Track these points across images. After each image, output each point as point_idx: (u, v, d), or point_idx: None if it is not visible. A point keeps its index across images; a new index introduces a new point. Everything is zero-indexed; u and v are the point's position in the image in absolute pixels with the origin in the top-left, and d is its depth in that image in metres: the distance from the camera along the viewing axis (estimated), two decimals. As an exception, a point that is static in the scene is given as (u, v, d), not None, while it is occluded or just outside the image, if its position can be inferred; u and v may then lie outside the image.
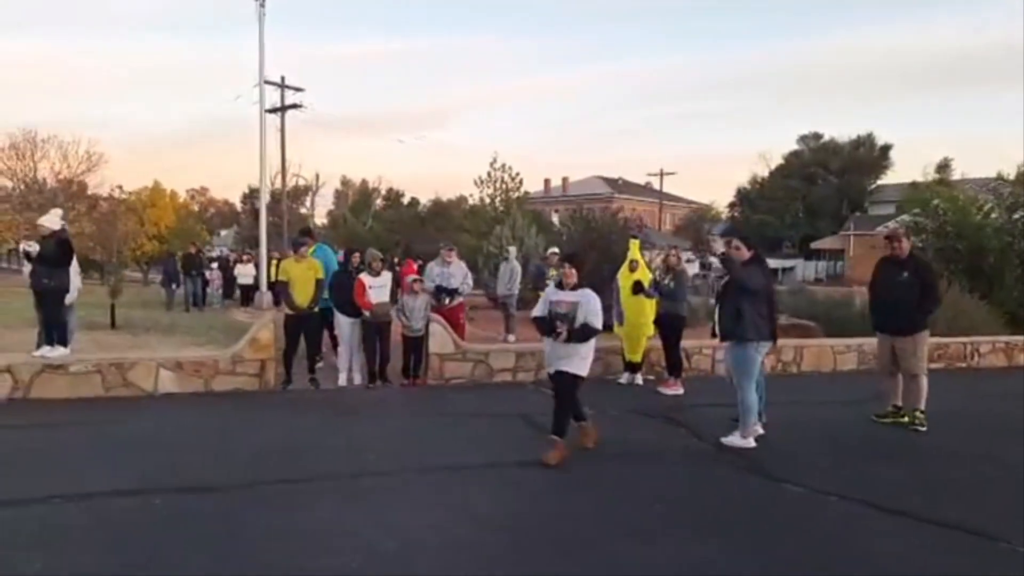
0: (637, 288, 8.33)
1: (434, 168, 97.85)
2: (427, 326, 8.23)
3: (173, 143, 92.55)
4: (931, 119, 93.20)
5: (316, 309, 8.07)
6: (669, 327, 8.06)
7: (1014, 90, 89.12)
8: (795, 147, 51.08)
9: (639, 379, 8.54)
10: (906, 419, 6.80)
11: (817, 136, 50.77)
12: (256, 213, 65.35)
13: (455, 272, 9.26)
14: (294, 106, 31.49)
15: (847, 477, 5.11)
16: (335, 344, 8.77)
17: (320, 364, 8.45)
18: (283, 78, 32.33)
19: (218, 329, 14.28)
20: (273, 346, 7.93)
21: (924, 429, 6.52)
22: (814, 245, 41.62)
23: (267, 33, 21.43)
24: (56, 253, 7.33)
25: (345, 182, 69.70)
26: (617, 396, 7.87)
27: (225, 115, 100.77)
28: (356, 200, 66.60)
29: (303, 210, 59.19)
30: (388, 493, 4.60)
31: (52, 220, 7.87)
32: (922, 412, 6.64)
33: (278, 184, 57.67)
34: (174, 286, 18.75)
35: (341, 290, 8.12)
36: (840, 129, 79.88)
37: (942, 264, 14.79)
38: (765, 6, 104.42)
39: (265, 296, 19.61)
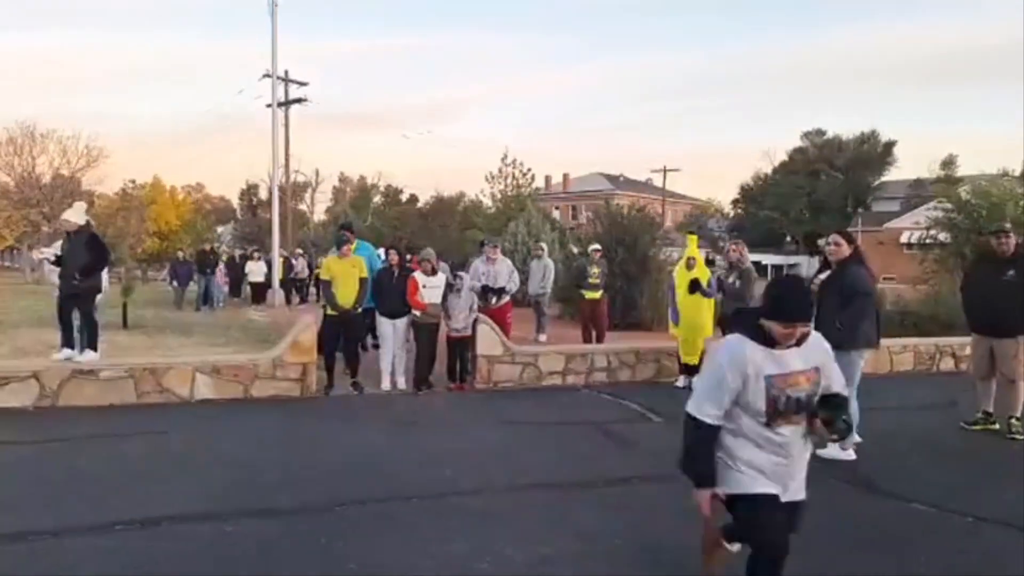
0: (694, 287, 7.91)
1: (433, 164, 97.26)
2: (473, 326, 7.79)
3: (169, 139, 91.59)
4: (934, 116, 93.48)
5: (360, 310, 7.61)
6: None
7: (1016, 86, 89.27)
8: (799, 144, 50.98)
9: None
10: (997, 426, 6.41)
11: (821, 132, 50.58)
12: (254, 210, 64.68)
13: (501, 270, 8.83)
14: (298, 100, 30.90)
15: (971, 494, 4.70)
16: (363, 347, 8.36)
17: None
18: (287, 72, 31.73)
19: (236, 329, 13.79)
20: (315, 349, 7.46)
21: (1021, 438, 6.13)
22: (820, 242, 41.23)
23: (268, 26, 20.89)
24: (88, 252, 6.84)
25: (343, 178, 68.97)
26: (681, 401, 7.35)
27: (224, 111, 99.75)
28: (355, 197, 65.97)
29: (302, 207, 58.57)
30: (484, 516, 4.15)
31: (77, 215, 7.39)
32: (1018, 419, 6.25)
33: (278, 180, 57.26)
34: (178, 283, 18.19)
35: (383, 290, 7.66)
36: (844, 126, 79.90)
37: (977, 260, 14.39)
38: (769, 2, 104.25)
39: (278, 294, 19.12)
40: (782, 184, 47.46)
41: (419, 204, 60.27)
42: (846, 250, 5.52)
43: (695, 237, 8.29)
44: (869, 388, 8.07)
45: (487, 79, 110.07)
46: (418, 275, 7.53)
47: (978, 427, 6.47)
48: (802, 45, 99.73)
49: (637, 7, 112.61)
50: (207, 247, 19.48)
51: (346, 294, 7.49)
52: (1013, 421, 6.26)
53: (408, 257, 9.24)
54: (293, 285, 20.45)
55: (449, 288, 7.68)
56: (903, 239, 37.86)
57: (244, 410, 6.73)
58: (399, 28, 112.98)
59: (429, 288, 7.52)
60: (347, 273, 7.54)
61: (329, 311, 7.55)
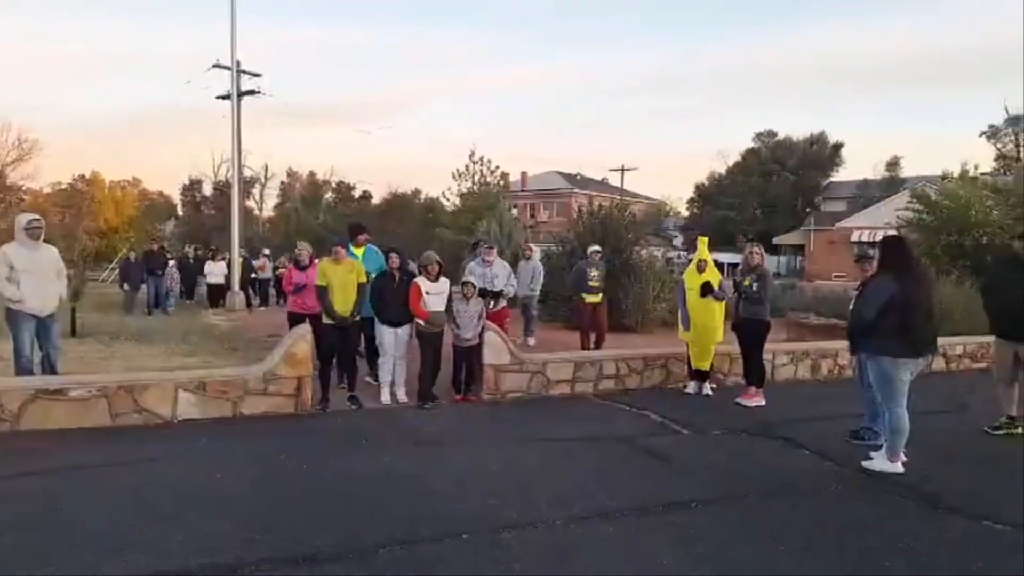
0: (706, 290, 7.63)
1: (386, 160, 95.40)
2: (481, 334, 7.31)
3: (105, 131, 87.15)
4: (879, 118, 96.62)
5: (358, 318, 7.04)
6: (752, 333, 7.37)
7: (958, 90, 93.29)
8: (752, 144, 51.91)
9: (707, 389, 7.85)
10: (1020, 430, 6.33)
11: (772, 134, 51.67)
12: (198, 206, 62.29)
13: (498, 272, 8.37)
14: (251, 92, 29.60)
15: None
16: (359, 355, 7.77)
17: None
18: (238, 63, 30.42)
19: (196, 334, 12.93)
20: (311, 361, 6.85)
21: (1048, 442, 6.04)
22: (775, 240, 42.21)
23: (214, 14, 19.89)
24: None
25: (291, 173, 66.84)
26: (698, 410, 7.14)
27: (164, 102, 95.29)
28: (306, 193, 64.12)
29: (250, 203, 56.57)
30: (551, 554, 3.70)
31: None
32: (1042, 423, 6.17)
33: (223, 175, 55.08)
34: (129, 286, 17.04)
35: (383, 296, 7.11)
36: (795, 127, 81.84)
37: (948, 261, 14.70)
38: (721, 5, 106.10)
39: (238, 297, 18.13)
40: (736, 184, 48.30)
41: (373, 201, 59.03)
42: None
43: (706, 239, 8.00)
44: (857, 393, 7.77)
45: (440, 75, 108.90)
46: (421, 281, 7.00)
47: (1002, 432, 6.38)
48: (755, 48, 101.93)
49: (592, 7, 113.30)
50: (156, 247, 18.29)
51: (344, 301, 6.91)
52: None
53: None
54: (254, 287, 19.46)
55: (458, 295, 7.18)
56: (854, 238, 39.03)
57: (237, 431, 6.09)
58: (351, 21, 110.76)
59: (433, 295, 7.00)
60: (344, 278, 6.95)
61: (325, 319, 6.95)
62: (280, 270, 20.79)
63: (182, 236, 51.33)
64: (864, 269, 6.20)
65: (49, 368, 6.66)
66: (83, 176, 31.74)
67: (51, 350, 6.75)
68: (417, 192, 60.50)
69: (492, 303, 8.23)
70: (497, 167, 23.72)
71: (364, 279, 7.07)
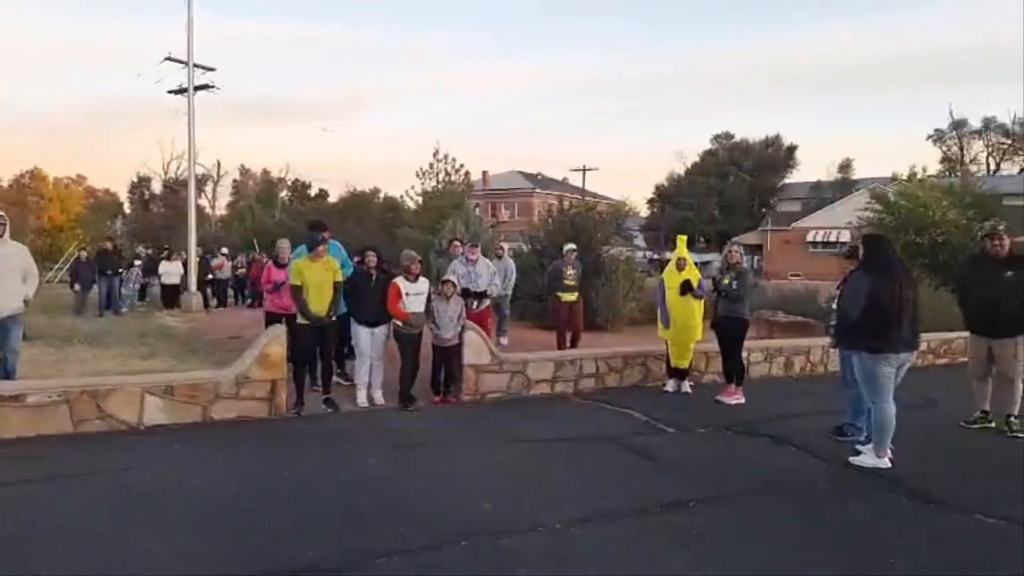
0: (686, 288, 7.63)
1: (343, 158, 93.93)
2: (460, 334, 7.15)
3: (48, 127, 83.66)
4: (831, 121, 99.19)
5: (334, 318, 6.81)
6: (731, 331, 7.38)
7: (905, 94, 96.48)
8: (709, 146, 52.84)
9: (687, 387, 7.85)
10: (993, 424, 6.47)
11: (729, 136, 52.66)
12: (146, 204, 60.41)
13: (481, 272, 8.21)
14: (205, 87, 28.74)
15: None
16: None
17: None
18: (188, 58, 29.52)
19: (153, 336, 12.39)
20: (285, 363, 6.60)
21: (1022, 436, 6.18)
22: (734, 240, 42.96)
23: (162, 6, 19.24)
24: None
25: (245, 171, 65.24)
26: (679, 408, 7.12)
27: (110, 96, 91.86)
28: (260, 191, 62.67)
29: (202, 201, 55.00)
30: (555, 560, 3.59)
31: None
32: (1016, 418, 6.32)
33: (173, 172, 53.37)
34: (81, 287, 16.32)
35: (359, 295, 6.89)
36: (751, 129, 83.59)
37: (907, 260, 15.09)
38: (679, 10, 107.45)
39: (194, 298, 17.52)
40: (695, 184, 49.06)
41: (331, 200, 58.06)
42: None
43: (685, 238, 8.00)
44: (833, 390, 7.81)
45: (399, 74, 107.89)
46: (400, 281, 6.81)
47: (977, 426, 6.52)
48: (712, 51, 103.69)
49: (554, 8, 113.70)
50: (109, 246, 17.53)
51: (320, 301, 6.68)
52: (1011, 419, 6.32)
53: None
54: (212, 287, 18.85)
55: (437, 294, 7.02)
56: (809, 238, 40.07)
57: (210, 436, 5.81)
58: (307, 16, 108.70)
59: (412, 296, 6.81)
60: (320, 277, 6.71)
61: (300, 320, 6.70)
62: (240, 270, 20.25)
63: (130, 235, 49.55)
64: (847, 267, 6.26)
65: (4, 373, 6.26)
66: (28, 172, 30.30)
67: (8, 354, 6.34)
68: (376, 191, 59.75)
69: (475, 303, 8.08)
70: (462, 165, 23.50)
71: (340, 278, 6.85)
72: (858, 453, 5.43)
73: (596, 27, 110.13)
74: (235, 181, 63.19)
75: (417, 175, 23.53)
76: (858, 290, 5.25)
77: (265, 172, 65.15)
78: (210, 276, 18.75)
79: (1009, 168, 48.75)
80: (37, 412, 5.66)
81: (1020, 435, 6.20)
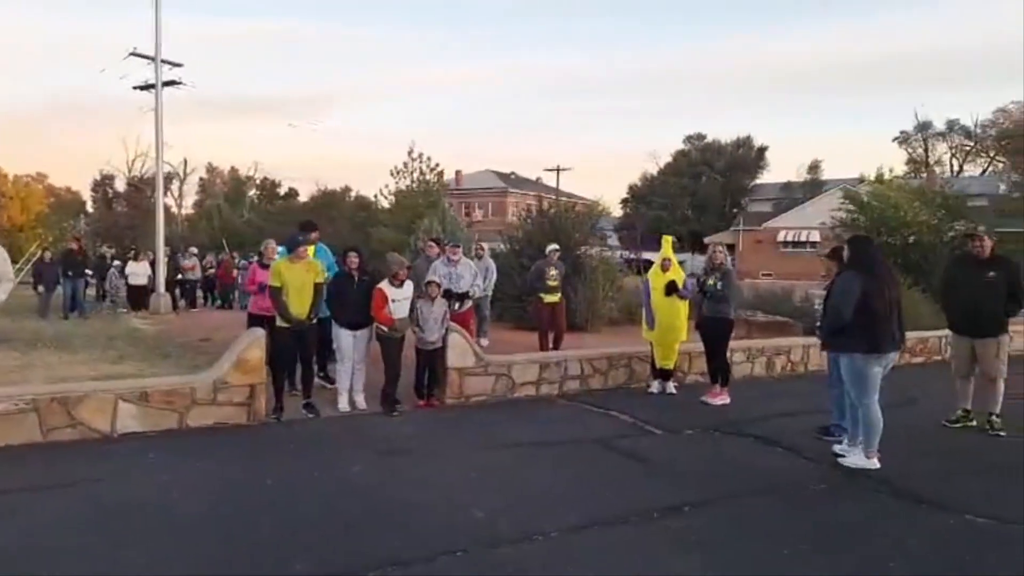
0: (671, 289, 7.61)
1: (313, 157, 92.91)
2: (444, 337, 7.03)
3: (7, 124, 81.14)
4: (801, 122, 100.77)
5: (315, 320, 6.64)
6: (716, 331, 7.37)
7: (873, 96, 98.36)
8: (682, 146, 53.35)
9: (671, 387, 7.82)
10: (975, 423, 6.54)
11: (701, 136, 53.24)
12: (110, 203, 58.94)
13: (463, 272, 8.09)
14: (172, 83, 28.09)
15: (1011, 501, 4.62)
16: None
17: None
18: (156, 52, 28.87)
19: (122, 340, 12.02)
20: (264, 367, 6.41)
21: (1004, 434, 6.26)
22: (707, 240, 43.37)
23: (132, 3, 18.77)
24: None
25: (212, 169, 64.04)
26: (665, 409, 7.08)
27: (72, 93, 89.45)
28: (228, 190, 61.59)
29: (168, 200, 53.81)
30: (556, 570, 3.49)
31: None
32: (997, 416, 6.40)
33: (138, 170, 52.15)
34: (45, 288, 15.80)
35: (341, 297, 6.73)
36: (722, 130, 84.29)
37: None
38: (651, 10, 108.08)
39: (163, 299, 17.08)
40: (668, 184, 49.47)
41: (301, 198, 57.31)
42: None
43: (670, 238, 7.99)
44: (815, 389, 7.80)
45: (369, 72, 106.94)
46: (385, 287, 6.66)
47: (959, 425, 6.58)
48: (684, 52, 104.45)
49: (525, 7, 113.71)
50: (75, 246, 17.01)
51: (300, 303, 6.49)
52: (993, 418, 6.40)
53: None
54: (181, 288, 18.40)
55: (421, 296, 6.89)
56: (780, 238, 40.64)
57: (187, 444, 5.60)
58: (275, 12, 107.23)
59: (398, 302, 6.67)
60: (301, 279, 6.53)
61: (280, 323, 6.52)
62: (210, 270, 19.81)
63: (94, 234, 48.31)
64: (829, 266, 6.29)
65: None
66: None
67: None
68: (347, 189, 59.13)
69: (457, 305, 7.96)
70: (437, 164, 23.32)
71: (321, 279, 6.68)
72: (845, 455, 5.43)
73: (568, 27, 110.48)
74: (202, 179, 62.07)
75: (391, 174, 23.33)
76: (849, 290, 5.25)
77: (233, 170, 64.13)
78: (179, 276, 18.30)
79: (972, 169, 50.07)
80: (4, 421, 5.39)
81: (1002, 433, 6.28)
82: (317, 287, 6.60)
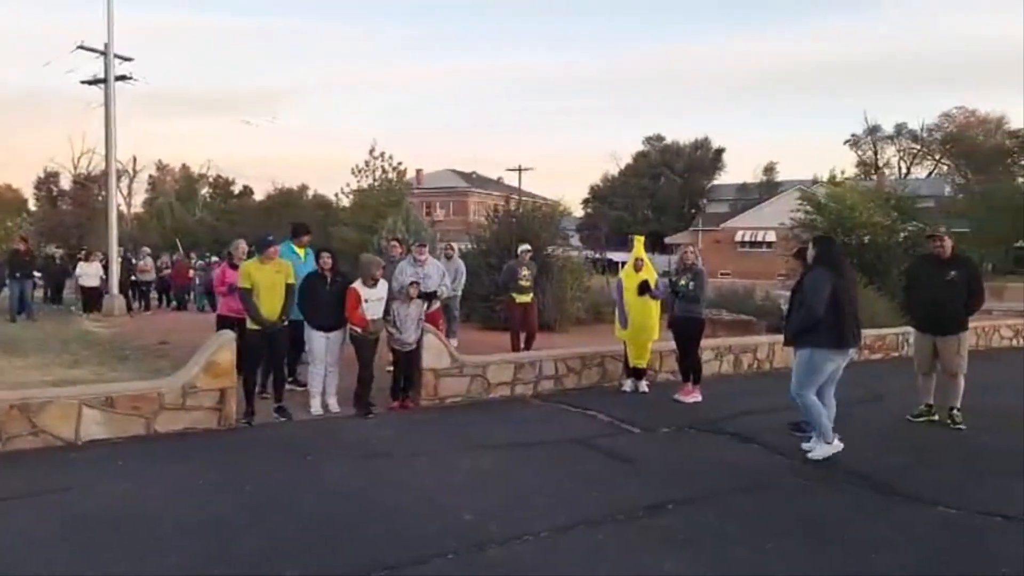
0: (644, 288, 7.68)
1: (268, 155, 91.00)
2: (420, 338, 6.96)
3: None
4: (757, 125, 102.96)
5: (287, 322, 6.50)
6: (689, 331, 7.47)
7: (826, 100, 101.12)
8: (642, 148, 54.04)
9: (643, 386, 7.90)
10: (937, 417, 6.75)
11: (661, 138, 54.07)
12: (54, 201, 56.73)
13: (431, 272, 8.02)
14: (122, 78, 27.20)
15: (978, 491, 4.78)
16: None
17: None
18: (106, 45, 27.99)
19: (76, 343, 11.62)
20: (235, 370, 6.25)
21: (964, 428, 6.49)
22: (668, 240, 44.10)
23: None
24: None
25: (162, 167, 62.20)
26: (639, 407, 7.14)
27: (12, 87, 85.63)
28: (180, 188, 59.97)
29: (116, 198, 52.13)
30: (550, 569, 3.49)
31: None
32: (958, 410, 6.61)
33: (85, 167, 50.36)
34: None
35: (314, 298, 6.60)
36: (681, 132, 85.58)
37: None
38: (612, 12, 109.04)
39: (117, 301, 16.52)
40: (628, 185, 50.03)
41: (256, 197, 56.17)
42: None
43: (642, 238, 8.06)
44: (782, 386, 7.93)
45: (329, 68, 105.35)
46: (359, 287, 6.56)
47: (922, 419, 6.79)
48: (643, 54, 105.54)
49: (484, 7, 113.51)
50: (22, 246, 16.34)
51: (271, 305, 6.35)
52: (954, 412, 6.62)
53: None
54: (137, 289, 17.84)
55: (397, 297, 6.81)
56: (738, 238, 41.53)
57: (156, 451, 5.42)
58: (230, 7, 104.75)
59: (371, 302, 6.58)
60: (271, 280, 6.38)
61: (250, 325, 6.36)
62: (165, 271, 19.26)
63: (38, 234, 46.45)
64: (794, 266, 6.45)
65: None
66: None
67: None
68: (304, 188, 58.18)
69: (426, 305, 7.86)
70: (399, 163, 23.12)
71: (293, 280, 6.54)
72: (811, 448, 5.54)
73: (528, 27, 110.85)
74: (151, 177, 60.26)
75: (353, 172, 23.05)
76: (821, 288, 5.37)
77: (184, 168, 62.49)
78: (134, 278, 17.74)
79: (918, 172, 51.97)
80: (-41, 430, 5.15)
81: (963, 427, 6.49)
82: (288, 288, 6.47)
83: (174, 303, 18.85)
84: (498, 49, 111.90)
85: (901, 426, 6.63)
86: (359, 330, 6.57)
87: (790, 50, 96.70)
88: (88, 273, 16.54)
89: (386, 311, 6.78)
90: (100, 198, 43.34)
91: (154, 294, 19.21)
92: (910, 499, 4.65)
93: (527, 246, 9.60)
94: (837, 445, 5.42)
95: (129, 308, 17.17)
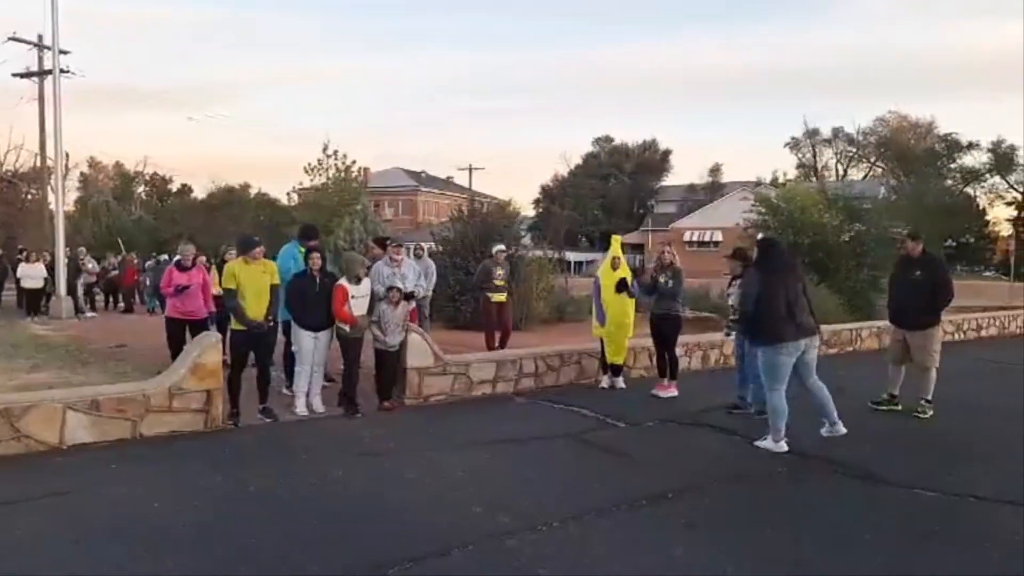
0: (621, 286, 7.89)
1: (208, 152, 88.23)
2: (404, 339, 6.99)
3: None
4: (702, 127, 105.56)
5: (272, 323, 6.44)
6: (667, 328, 7.70)
7: (766, 103, 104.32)
8: (592, 149, 54.79)
9: (620, 382, 8.10)
10: (899, 407, 7.13)
11: (610, 139, 54.93)
12: (-12, 199, 53.60)
13: (407, 273, 8.03)
14: (62, 71, 26.07)
15: (949, 476, 5.12)
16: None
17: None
18: (40, 37, 26.88)
19: (29, 348, 11.12)
20: (221, 372, 6.16)
21: (927, 416, 6.86)
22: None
23: None
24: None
25: (94, 164, 59.51)
26: (620, 403, 7.34)
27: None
28: (115, 186, 57.52)
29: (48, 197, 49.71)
30: (570, 556, 3.62)
31: None
32: (928, 401, 6.98)
33: (12, 164, 47.92)
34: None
35: (303, 298, 6.56)
36: (629, 133, 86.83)
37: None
38: (563, 13, 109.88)
39: (64, 303, 15.84)
40: (579, 186, 50.66)
41: (197, 195, 54.34)
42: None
43: (619, 238, 8.27)
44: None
45: (270, 64, 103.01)
46: (346, 283, 6.55)
47: (883, 407, 7.18)
48: (593, 54, 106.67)
49: (435, 4, 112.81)
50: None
51: (257, 305, 6.29)
52: (923, 402, 6.99)
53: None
54: (86, 291, 17.14)
55: (381, 298, 6.83)
56: (686, 237, 42.53)
57: (145, 454, 5.32)
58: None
59: (357, 299, 6.59)
60: (257, 280, 6.32)
61: (235, 325, 6.29)
62: (113, 272, 18.59)
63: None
64: (733, 267, 6.90)
65: None
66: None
67: None
68: (247, 186, 56.62)
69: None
70: (354, 162, 22.80)
71: (278, 280, 6.50)
72: (764, 439, 5.78)
73: (478, 25, 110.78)
74: (83, 175, 57.64)
75: (306, 171, 22.62)
76: (749, 289, 5.72)
77: (118, 165, 60.01)
78: (83, 280, 17.04)
79: (855, 174, 54.24)
80: (-64, 436, 4.94)
81: (924, 415, 6.88)
82: (273, 288, 6.42)
83: (122, 305, 18.21)
84: (448, 46, 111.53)
85: (867, 415, 6.99)
86: (347, 328, 6.56)
87: (734, 55, 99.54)
88: (31, 275, 15.78)
89: (370, 310, 6.79)
90: (30, 196, 41.24)
91: (100, 295, 18.51)
92: (888, 483, 4.95)
93: (503, 246, 9.71)
94: (783, 447, 5.63)
95: (77, 310, 16.48)
